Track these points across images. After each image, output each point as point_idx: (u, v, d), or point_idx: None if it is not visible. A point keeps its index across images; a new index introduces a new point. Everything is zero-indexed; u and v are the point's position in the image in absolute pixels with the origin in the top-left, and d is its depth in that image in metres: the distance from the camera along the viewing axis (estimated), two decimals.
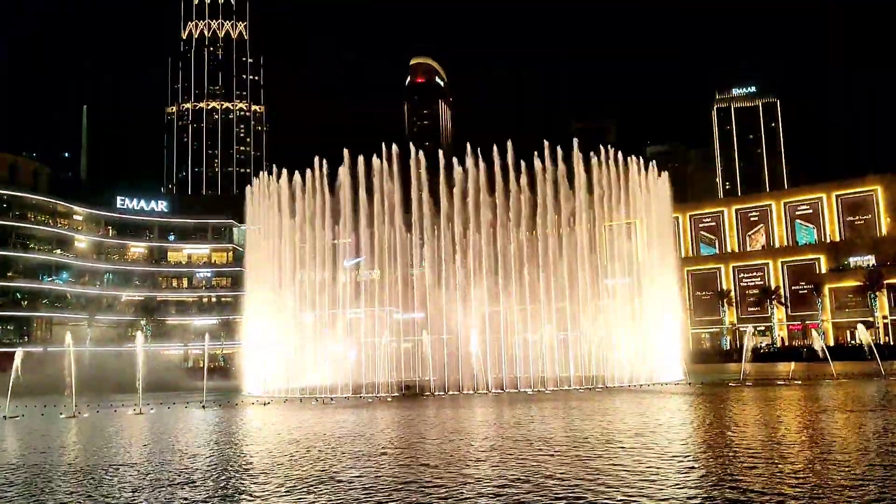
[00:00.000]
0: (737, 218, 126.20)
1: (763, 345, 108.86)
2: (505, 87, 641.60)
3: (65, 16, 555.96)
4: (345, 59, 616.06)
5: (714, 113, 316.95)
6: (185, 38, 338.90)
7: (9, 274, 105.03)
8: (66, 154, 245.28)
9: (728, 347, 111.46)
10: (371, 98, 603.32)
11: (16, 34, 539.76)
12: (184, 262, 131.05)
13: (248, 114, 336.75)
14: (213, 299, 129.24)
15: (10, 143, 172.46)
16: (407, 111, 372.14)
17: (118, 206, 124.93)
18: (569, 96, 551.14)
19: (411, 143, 68.54)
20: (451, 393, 49.82)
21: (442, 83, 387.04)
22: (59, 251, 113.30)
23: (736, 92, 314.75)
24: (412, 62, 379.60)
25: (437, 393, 50.11)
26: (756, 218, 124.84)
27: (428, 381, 52.70)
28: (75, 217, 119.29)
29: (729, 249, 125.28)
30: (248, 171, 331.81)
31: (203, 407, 43.05)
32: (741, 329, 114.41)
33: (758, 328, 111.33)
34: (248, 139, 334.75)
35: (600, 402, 38.90)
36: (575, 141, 60.34)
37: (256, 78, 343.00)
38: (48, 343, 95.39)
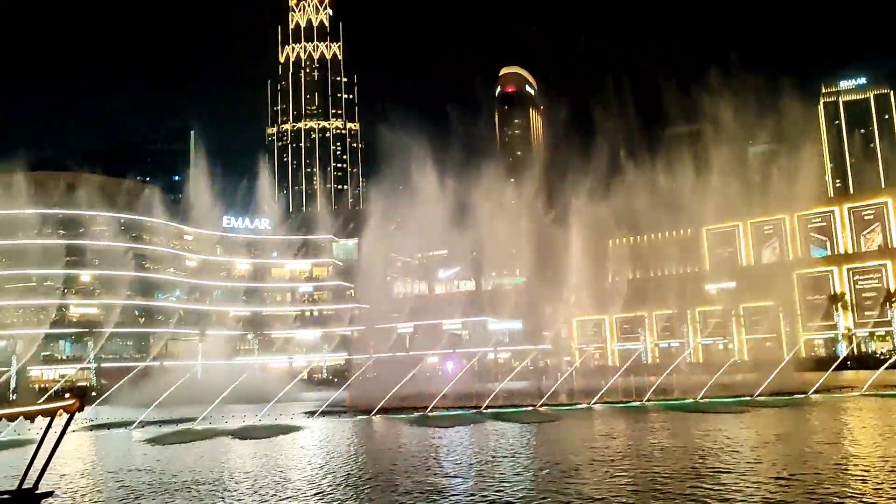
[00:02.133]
0: (849, 217, 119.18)
1: (883, 351, 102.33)
2: (594, 93, 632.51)
3: (172, 46, 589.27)
4: (435, 72, 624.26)
5: (821, 107, 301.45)
6: (283, 61, 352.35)
7: (127, 293, 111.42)
8: (176, 177, 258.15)
9: (844, 354, 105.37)
10: (461, 109, 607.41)
11: (126, 64, 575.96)
12: (286, 278, 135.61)
13: (343, 132, 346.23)
14: (315, 313, 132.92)
15: (125, 168, 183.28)
16: (497, 121, 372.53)
17: (224, 225, 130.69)
18: (658, 100, 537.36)
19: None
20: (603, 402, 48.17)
21: (532, 91, 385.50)
22: (171, 270, 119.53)
23: (844, 84, 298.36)
24: (502, 72, 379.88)
25: (581, 403, 49.13)
26: (871, 216, 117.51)
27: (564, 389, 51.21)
28: (185, 237, 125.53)
29: (842, 250, 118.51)
30: (345, 187, 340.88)
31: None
32: (857, 334, 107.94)
33: (876, 333, 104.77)
34: (345, 156, 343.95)
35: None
36: None
37: (351, 96, 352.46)
38: (164, 357, 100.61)
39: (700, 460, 24.39)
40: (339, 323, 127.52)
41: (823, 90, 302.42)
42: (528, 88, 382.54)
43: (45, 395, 61.26)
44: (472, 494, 19.85)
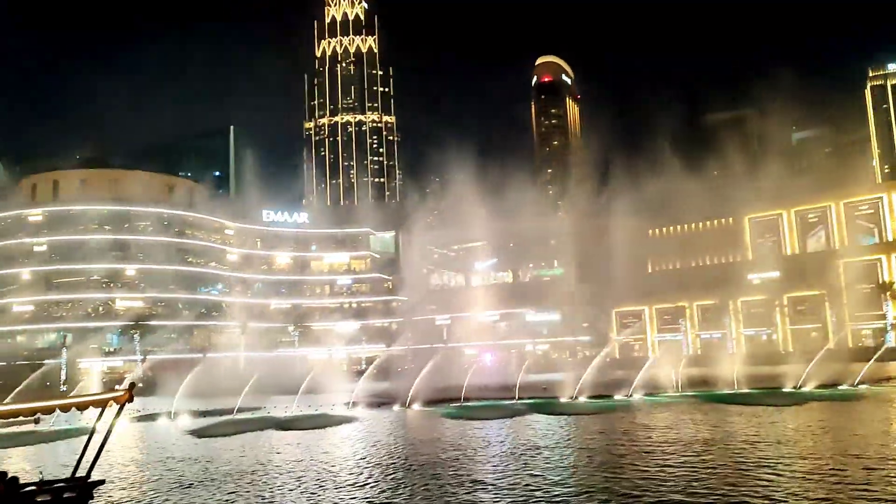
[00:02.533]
0: None
1: None
2: (634, 81, 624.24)
3: (211, 44, 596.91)
4: (470, 63, 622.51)
5: (868, 91, 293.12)
6: (319, 55, 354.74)
7: (171, 287, 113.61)
8: (217, 173, 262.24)
9: (893, 344, 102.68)
10: (497, 100, 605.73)
11: (166, 63, 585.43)
12: (325, 271, 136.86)
13: (379, 125, 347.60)
14: (353, 305, 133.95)
15: (167, 165, 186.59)
16: (534, 110, 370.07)
17: (264, 219, 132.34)
18: (700, 86, 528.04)
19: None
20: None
21: (569, 80, 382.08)
22: (213, 264, 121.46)
23: (892, 68, 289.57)
24: (538, 61, 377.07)
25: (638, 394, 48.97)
26: None
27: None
28: (227, 231, 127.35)
29: (890, 237, 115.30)
30: (381, 180, 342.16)
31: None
32: None
33: None
34: (381, 149, 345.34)
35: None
36: None
37: (387, 89, 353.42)
38: (207, 349, 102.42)
39: (743, 453, 24.13)
40: (377, 315, 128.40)
41: (870, 73, 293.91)
42: (564, 78, 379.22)
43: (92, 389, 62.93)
44: (513, 486, 19.94)
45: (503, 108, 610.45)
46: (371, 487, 20.41)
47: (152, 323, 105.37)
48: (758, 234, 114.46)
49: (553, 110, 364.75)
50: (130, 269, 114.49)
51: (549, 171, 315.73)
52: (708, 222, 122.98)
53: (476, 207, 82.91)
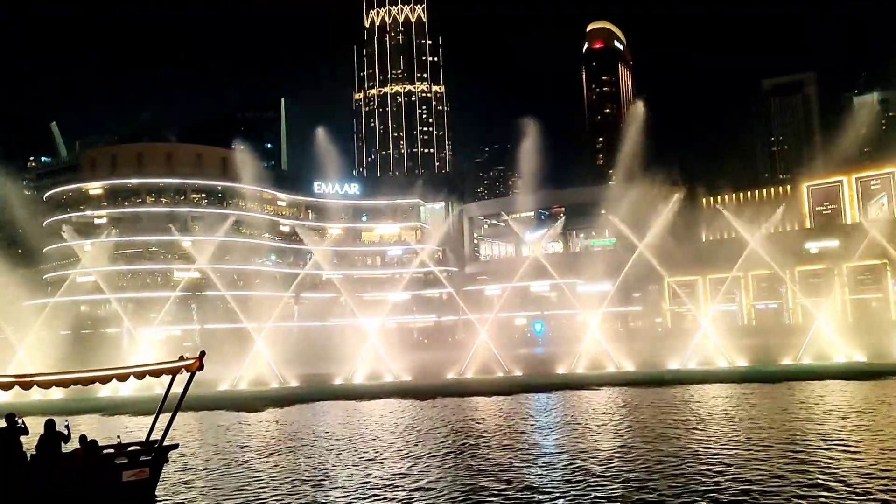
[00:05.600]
0: None
1: None
2: (687, 45, 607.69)
3: (260, 16, 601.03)
4: (520, 31, 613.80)
5: None
6: (368, 26, 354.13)
7: (226, 258, 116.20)
8: (269, 145, 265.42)
9: None
10: (548, 67, 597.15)
11: (216, 36, 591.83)
12: (376, 242, 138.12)
13: (429, 95, 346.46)
14: (404, 275, 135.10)
15: (220, 138, 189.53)
16: (585, 78, 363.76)
17: (315, 191, 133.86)
18: (757, 49, 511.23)
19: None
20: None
21: (621, 46, 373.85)
22: (266, 235, 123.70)
23: None
24: (589, 27, 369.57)
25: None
26: None
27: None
28: (279, 203, 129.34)
29: None
30: (431, 151, 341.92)
31: None
32: None
33: None
34: (431, 119, 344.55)
35: None
36: None
37: (436, 59, 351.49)
38: (261, 319, 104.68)
39: (793, 429, 23.91)
40: (427, 285, 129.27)
41: None
42: (616, 44, 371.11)
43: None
44: (560, 454, 20.15)
45: (553, 75, 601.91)
46: (418, 460, 20.88)
47: (208, 293, 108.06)
48: (816, 202, 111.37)
49: (605, 77, 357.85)
50: (186, 241, 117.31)
51: (601, 139, 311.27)
52: (764, 190, 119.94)
53: (526, 177, 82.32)
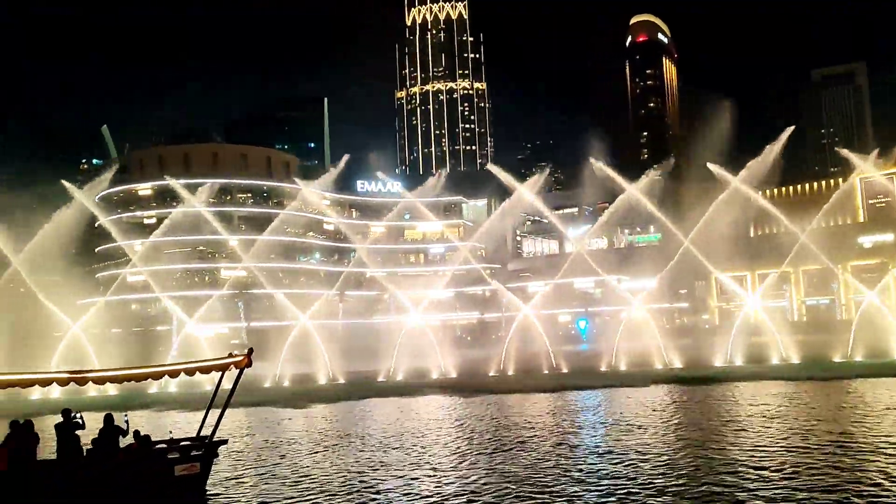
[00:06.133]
0: None
1: None
2: (734, 36, 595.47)
3: (302, 17, 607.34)
4: (562, 26, 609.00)
5: None
6: (409, 24, 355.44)
7: (271, 256, 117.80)
8: (312, 144, 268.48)
9: None
10: (590, 61, 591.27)
11: (259, 36, 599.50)
12: (419, 239, 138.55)
13: (470, 92, 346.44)
14: (447, 273, 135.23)
15: (264, 137, 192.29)
16: (629, 72, 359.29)
17: (358, 189, 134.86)
18: (806, 38, 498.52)
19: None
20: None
21: (665, 39, 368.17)
22: (311, 233, 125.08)
23: None
24: (633, 21, 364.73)
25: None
26: None
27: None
28: (323, 202, 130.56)
29: None
30: (473, 148, 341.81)
31: None
32: None
33: None
34: (472, 116, 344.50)
35: None
36: None
37: (477, 56, 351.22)
38: (306, 317, 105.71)
39: (850, 427, 23.26)
40: (470, 282, 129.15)
41: None
42: (660, 36, 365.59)
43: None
44: (606, 454, 19.91)
45: (595, 70, 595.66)
46: (464, 456, 20.82)
47: (254, 291, 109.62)
48: (870, 195, 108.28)
49: (649, 71, 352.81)
50: (233, 240, 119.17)
51: (645, 133, 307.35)
52: (815, 183, 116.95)
53: (568, 173, 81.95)
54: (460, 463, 19.68)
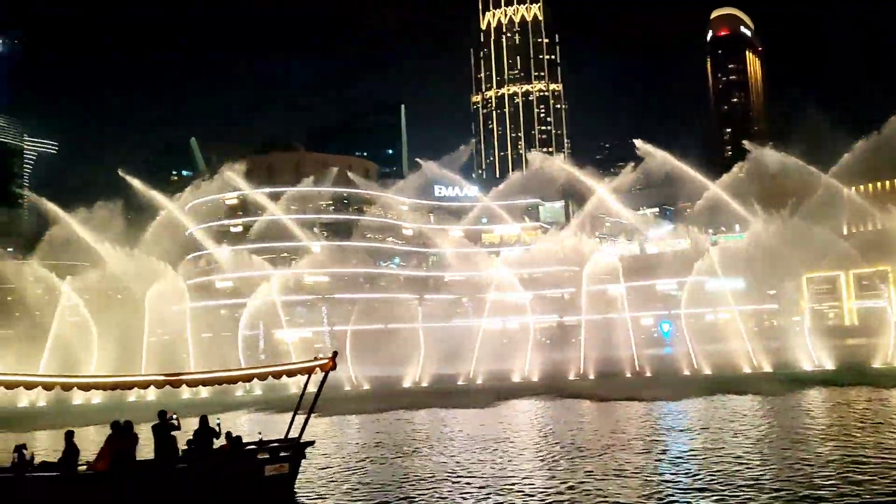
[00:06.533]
0: None
1: None
2: (823, 26, 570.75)
3: (378, 25, 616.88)
4: (637, 23, 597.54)
5: None
6: (484, 28, 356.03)
7: (352, 261, 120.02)
8: (389, 150, 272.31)
9: None
10: (668, 59, 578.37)
11: (336, 45, 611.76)
12: (496, 243, 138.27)
13: (547, 94, 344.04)
14: (525, 276, 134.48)
15: (344, 146, 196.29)
16: (710, 67, 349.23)
17: (435, 194, 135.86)
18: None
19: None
20: None
21: (748, 32, 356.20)
22: (390, 239, 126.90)
23: None
24: (713, 14, 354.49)
25: None
26: None
27: None
28: (401, 207, 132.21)
29: None
30: (550, 150, 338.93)
31: None
32: None
33: None
34: (549, 118, 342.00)
35: None
36: None
37: (553, 57, 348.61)
38: (388, 321, 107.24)
39: None
40: (549, 285, 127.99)
41: None
42: (743, 30, 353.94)
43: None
44: (695, 459, 19.44)
45: (674, 66, 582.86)
46: (548, 462, 20.67)
47: (337, 296, 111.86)
48: None
49: (731, 65, 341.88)
50: (315, 246, 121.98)
51: (728, 130, 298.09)
52: None
53: (649, 172, 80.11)
54: (546, 467, 19.58)
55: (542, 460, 20.83)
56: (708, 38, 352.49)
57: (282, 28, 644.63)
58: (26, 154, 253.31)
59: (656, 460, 19.94)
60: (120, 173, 79.25)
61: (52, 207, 75.31)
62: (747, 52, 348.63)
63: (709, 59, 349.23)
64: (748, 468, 18.12)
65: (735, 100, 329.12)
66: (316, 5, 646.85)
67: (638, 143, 54.57)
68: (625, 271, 65.62)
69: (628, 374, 47.55)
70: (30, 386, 17.71)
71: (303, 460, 18.32)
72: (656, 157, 53.19)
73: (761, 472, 17.49)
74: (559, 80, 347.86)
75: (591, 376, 48.44)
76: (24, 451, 16.73)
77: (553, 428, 27.62)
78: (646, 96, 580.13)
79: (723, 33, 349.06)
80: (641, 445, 22.42)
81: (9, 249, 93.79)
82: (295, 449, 17.67)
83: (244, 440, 18.18)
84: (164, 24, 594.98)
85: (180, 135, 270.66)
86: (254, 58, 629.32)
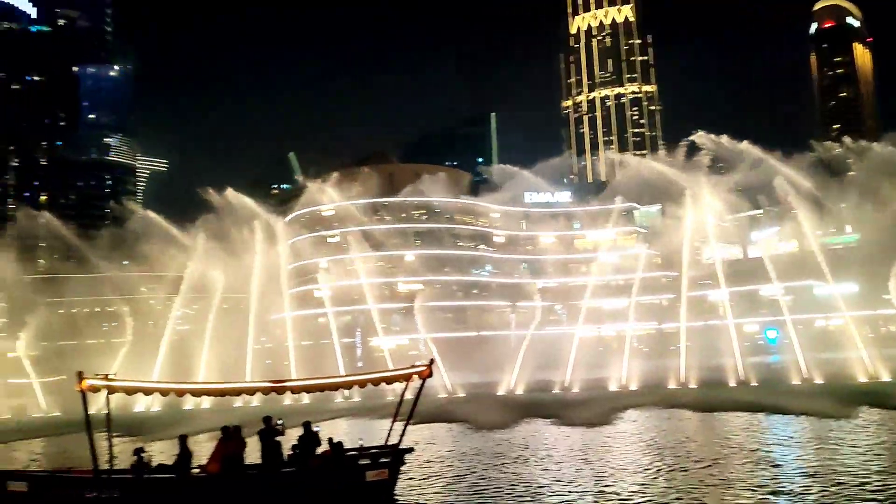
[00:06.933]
0: None
1: None
2: None
3: (466, 35, 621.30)
4: (736, 18, 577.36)
5: None
6: (573, 32, 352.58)
7: (445, 269, 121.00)
8: (480, 159, 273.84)
9: None
10: (769, 54, 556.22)
11: (426, 63, 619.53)
12: (590, 248, 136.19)
13: (639, 95, 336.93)
14: (621, 282, 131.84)
15: (437, 156, 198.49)
16: (815, 61, 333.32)
17: (526, 201, 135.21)
18: None
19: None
20: None
21: (856, 23, 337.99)
22: (482, 246, 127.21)
23: None
24: (817, 6, 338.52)
25: None
26: None
27: None
28: (492, 215, 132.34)
29: None
30: (643, 152, 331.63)
31: None
32: None
33: None
34: (642, 121, 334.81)
35: None
36: None
37: (646, 58, 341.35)
38: (480, 328, 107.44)
39: None
40: (645, 291, 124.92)
41: None
42: (850, 20, 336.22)
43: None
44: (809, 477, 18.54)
45: (775, 62, 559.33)
46: (653, 478, 20.16)
47: (430, 304, 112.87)
48: None
49: (838, 59, 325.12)
50: (409, 255, 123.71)
51: (836, 126, 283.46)
52: None
53: (750, 172, 77.08)
54: (649, 480, 19.10)
55: (645, 472, 20.32)
56: (812, 31, 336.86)
57: (376, 44, 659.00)
58: (139, 172, 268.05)
59: (772, 476, 19.11)
60: (229, 193, 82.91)
61: (160, 222, 79.71)
62: (855, 44, 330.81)
63: (813, 53, 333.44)
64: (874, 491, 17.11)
65: (843, 94, 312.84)
66: (407, 21, 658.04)
67: (699, 135, 52.62)
68: (726, 276, 63.07)
69: (733, 383, 45.73)
70: (148, 392, 18.80)
71: (402, 466, 18.56)
72: (719, 148, 51.15)
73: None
74: (652, 80, 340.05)
75: (693, 385, 46.87)
76: (143, 454, 17.70)
77: (655, 438, 26.91)
78: (745, 94, 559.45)
79: (827, 25, 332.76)
80: (752, 458, 21.53)
81: (124, 262, 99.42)
82: (395, 455, 17.94)
83: (344, 446, 18.59)
84: (264, 47, 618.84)
85: (281, 150, 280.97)
86: (350, 73, 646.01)
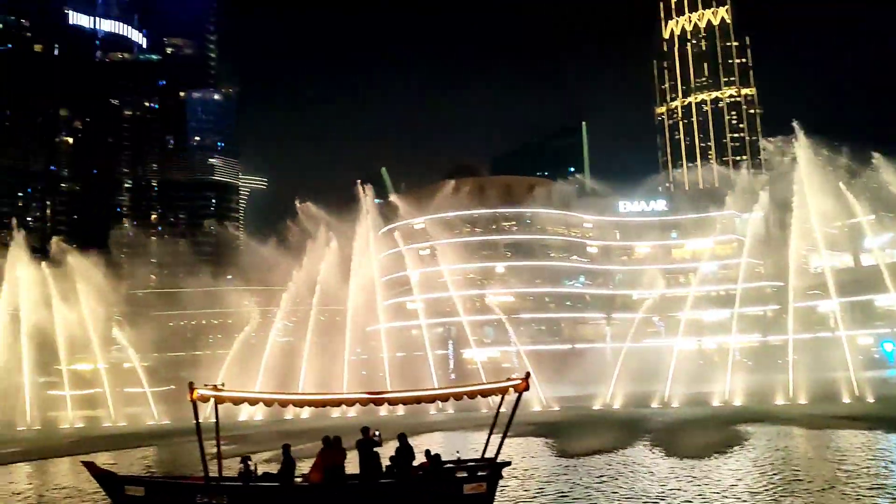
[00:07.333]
0: None
1: None
2: None
3: (557, 45, 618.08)
4: (837, 16, 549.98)
5: None
6: (667, 37, 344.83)
7: (537, 281, 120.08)
8: (572, 169, 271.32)
9: None
10: (874, 51, 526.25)
11: (517, 74, 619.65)
12: (688, 258, 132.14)
13: (738, 98, 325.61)
14: (721, 292, 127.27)
15: (528, 167, 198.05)
16: None
17: (620, 210, 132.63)
18: None
19: None
20: None
21: None
22: (574, 257, 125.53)
23: None
24: None
25: None
26: None
27: None
28: (584, 225, 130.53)
29: None
30: (743, 157, 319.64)
31: None
32: None
33: None
34: (741, 125, 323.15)
35: None
36: None
37: (744, 60, 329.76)
38: (574, 341, 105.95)
39: None
40: (748, 302, 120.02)
41: None
42: None
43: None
44: None
45: (884, 59, 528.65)
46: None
47: (522, 316, 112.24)
48: None
49: None
50: (500, 267, 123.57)
51: None
52: None
53: (860, 175, 73.05)
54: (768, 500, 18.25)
55: (756, 493, 19.41)
56: None
57: (466, 58, 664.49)
58: (241, 189, 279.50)
59: (893, 501, 17.90)
60: (310, 206, 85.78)
61: (261, 240, 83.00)
62: None
63: None
64: None
65: None
66: (498, 34, 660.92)
67: (764, 143, 50.00)
68: (837, 286, 59.85)
69: (847, 399, 43.22)
70: (254, 402, 19.50)
71: (499, 480, 18.40)
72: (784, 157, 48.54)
73: None
74: (751, 83, 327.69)
75: (803, 400, 44.59)
76: (249, 462, 18.31)
77: (765, 456, 25.71)
78: (850, 93, 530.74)
79: None
80: (871, 481, 20.23)
81: (228, 277, 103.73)
82: (492, 468, 17.82)
83: (441, 459, 18.60)
84: (357, 66, 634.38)
85: (374, 166, 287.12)
86: (440, 89, 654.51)
